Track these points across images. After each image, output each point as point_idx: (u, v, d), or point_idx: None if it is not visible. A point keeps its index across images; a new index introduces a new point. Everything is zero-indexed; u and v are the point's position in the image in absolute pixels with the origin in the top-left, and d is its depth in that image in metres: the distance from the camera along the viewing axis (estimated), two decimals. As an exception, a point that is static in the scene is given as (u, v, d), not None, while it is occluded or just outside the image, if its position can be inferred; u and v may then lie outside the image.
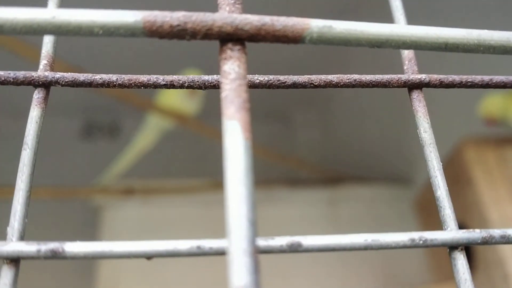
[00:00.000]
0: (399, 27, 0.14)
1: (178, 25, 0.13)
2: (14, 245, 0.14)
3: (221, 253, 0.14)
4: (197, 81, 0.17)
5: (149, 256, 0.14)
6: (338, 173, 1.60)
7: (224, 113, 0.13)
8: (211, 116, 1.48)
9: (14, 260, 0.14)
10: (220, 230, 1.39)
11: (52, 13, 0.13)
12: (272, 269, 1.30)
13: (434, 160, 0.16)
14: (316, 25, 0.14)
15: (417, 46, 0.14)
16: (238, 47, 0.14)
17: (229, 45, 0.14)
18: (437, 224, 1.26)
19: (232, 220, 0.12)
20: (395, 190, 1.52)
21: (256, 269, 0.11)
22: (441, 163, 0.16)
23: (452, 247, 0.14)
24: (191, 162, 1.71)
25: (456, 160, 1.17)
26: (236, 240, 0.11)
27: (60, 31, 0.13)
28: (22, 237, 0.14)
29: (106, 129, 1.77)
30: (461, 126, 1.20)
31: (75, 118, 1.76)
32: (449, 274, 1.22)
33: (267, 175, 1.59)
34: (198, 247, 0.14)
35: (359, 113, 1.75)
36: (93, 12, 0.13)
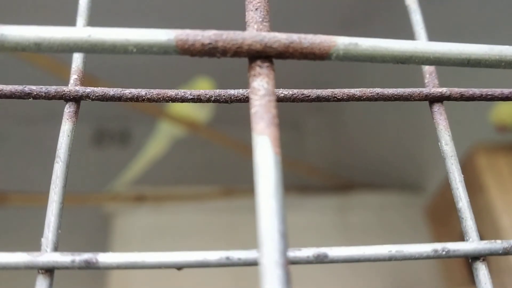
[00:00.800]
0: (423, 44, 0.14)
1: (209, 44, 0.14)
2: (49, 256, 0.14)
3: (249, 264, 0.15)
4: (223, 95, 0.17)
5: (179, 267, 0.14)
6: (349, 180, 1.60)
7: (254, 128, 0.13)
8: (221, 123, 1.49)
9: (49, 270, 0.14)
10: (230, 238, 1.40)
11: (88, 32, 0.14)
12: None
13: (455, 172, 0.16)
14: (342, 42, 0.14)
15: (440, 62, 0.15)
16: (266, 64, 0.14)
17: (258, 62, 0.14)
18: (448, 231, 1.25)
19: (264, 232, 0.12)
20: (405, 197, 1.51)
21: (288, 280, 0.11)
22: (463, 176, 0.16)
23: (474, 257, 0.15)
24: (202, 169, 1.71)
25: (468, 166, 1.17)
26: (268, 252, 0.12)
27: (96, 49, 0.14)
28: (56, 247, 0.15)
29: (117, 136, 1.79)
30: (472, 133, 1.20)
31: (87, 125, 1.78)
32: (460, 281, 1.22)
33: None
34: (227, 258, 0.14)
35: (369, 120, 1.75)
36: (127, 30, 0.14)
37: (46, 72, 0.93)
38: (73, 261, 0.14)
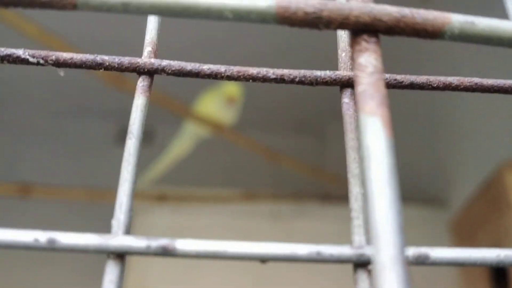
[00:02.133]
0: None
1: (313, 12, 0.12)
2: (121, 239, 0.13)
3: (342, 261, 0.13)
4: (309, 77, 0.16)
5: (265, 259, 0.13)
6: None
7: (363, 108, 0.12)
8: (246, 126, 1.48)
9: (120, 256, 0.13)
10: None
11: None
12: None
13: None
14: (457, 20, 0.13)
15: None
16: (374, 39, 0.13)
17: (364, 36, 0.13)
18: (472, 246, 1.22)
19: (380, 225, 0.10)
20: (429, 211, 1.49)
21: (409, 279, 0.10)
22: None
23: None
24: (224, 172, 1.70)
25: (495, 183, 1.14)
26: (386, 246, 0.10)
27: (188, 13, 0.12)
28: (128, 231, 0.13)
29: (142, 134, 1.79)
30: (501, 150, 1.17)
31: (112, 122, 1.78)
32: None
33: (298, 188, 1.57)
34: (318, 253, 0.13)
35: (394, 129, 1.72)
36: (223, -6, 0.12)
37: (34, 41, 0.91)
38: (148, 247, 0.13)
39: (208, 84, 1.30)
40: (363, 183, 0.11)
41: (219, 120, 1.27)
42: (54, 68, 0.16)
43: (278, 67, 0.17)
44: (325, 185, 1.59)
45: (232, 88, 1.24)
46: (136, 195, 1.25)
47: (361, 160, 0.11)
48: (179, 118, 1.37)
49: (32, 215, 1.48)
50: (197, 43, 1.43)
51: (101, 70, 0.16)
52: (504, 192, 1.10)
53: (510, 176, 1.10)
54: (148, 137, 1.77)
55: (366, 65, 0.12)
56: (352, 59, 0.13)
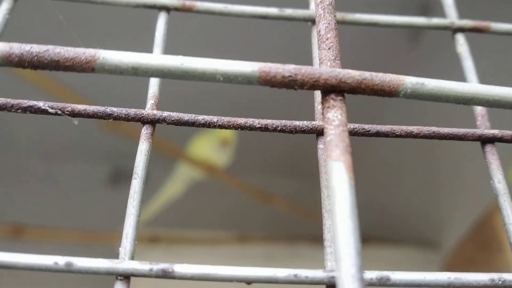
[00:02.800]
0: (484, 87, 0.16)
1: (289, 76, 0.15)
2: (127, 264, 0.15)
3: (315, 282, 0.16)
4: (289, 126, 0.19)
5: (249, 281, 0.15)
6: (364, 233, 1.59)
7: (329, 155, 0.14)
8: (239, 170, 1.50)
9: (127, 277, 0.15)
10: (242, 284, 1.39)
11: (180, 60, 0.15)
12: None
13: (508, 209, 0.17)
14: (410, 81, 0.16)
15: (499, 104, 0.16)
16: (340, 97, 0.15)
17: (332, 95, 0.15)
18: None
19: (342, 250, 0.13)
20: (422, 253, 1.50)
21: (364, 294, 0.12)
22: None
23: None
24: (217, 214, 1.71)
25: (486, 225, 1.16)
26: (346, 267, 0.13)
27: (187, 76, 0.15)
28: (133, 257, 0.16)
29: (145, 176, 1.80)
30: (491, 192, 1.19)
31: (104, 165, 1.80)
32: None
33: (291, 231, 1.58)
34: (295, 275, 0.15)
35: (386, 174, 1.76)
36: (216, 61, 0.15)
37: (50, 95, 0.94)
38: (150, 270, 0.15)
39: (201, 129, 1.33)
40: (328, 214, 0.14)
41: (213, 163, 1.30)
42: (69, 118, 0.19)
43: (264, 118, 0.19)
44: (318, 228, 1.61)
45: (226, 132, 1.27)
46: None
47: (329, 197, 0.14)
48: (173, 161, 1.39)
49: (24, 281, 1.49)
50: (193, 95, 1.48)
51: (110, 120, 0.19)
52: (494, 234, 1.12)
53: (500, 218, 1.13)
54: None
55: (333, 119, 0.15)
56: (322, 114, 0.15)
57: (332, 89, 0.15)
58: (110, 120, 0.18)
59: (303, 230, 1.58)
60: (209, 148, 1.29)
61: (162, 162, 1.43)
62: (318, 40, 0.17)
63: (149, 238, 1.39)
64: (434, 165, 1.51)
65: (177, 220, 1.53)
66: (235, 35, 1.35)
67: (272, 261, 1.45)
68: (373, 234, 1.59)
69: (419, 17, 0.21)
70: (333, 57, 0.16)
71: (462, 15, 0.24)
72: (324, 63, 0.16)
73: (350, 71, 0.15)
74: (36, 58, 0.15)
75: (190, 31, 1.22)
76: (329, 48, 0.16)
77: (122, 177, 1.85)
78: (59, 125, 1.69)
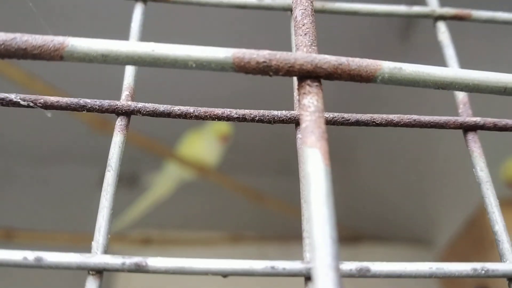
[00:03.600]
0: (463, 72, 0.15)
1: (264, 62, 0.15)
2: (100, 258, 0.15)
3: (293, 274, 0.15)
4: (267, 116, 0.18)
5: (225, 274, 0.15)
6: (358, 232, 1.59)
7: (305, 141, 0.14)
8: (231, 169, 1.50)
9: (99, 272, 0.15)
10: (237, 284, 1.38)
11: (151, 47, 0.15)
12: None
13: (491, 197, 0.17)
14: (387, 66, 0.15)
15: (478, 89, 0.16)
16: (316, 83, 0.15)
17: (308, 81, 0.15)
18: (458, 283, 1.23)
19: (317, 238, 0.12)
20: (415, 250, 1.50)
21: (340, 282, 0.12)
22: (498, 200, 0.17)
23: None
24: (210, 215, 1.71)
25: (478, 223, 1.16)
26: (321, 256, 0.12)
27: (158, 63, 0.15)
28: (106, 251, 0.15)
29: (125, 179, 1.79)
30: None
31: (94, 168, 1.78)
32: None
33: (285, 230, 1.58)
34: (272, 267, 0.15)
35: (380, 172, 1.76)
36: (188, 47, 0.15)
37: (16, 84, 0.93)
38: (123, 264, 0.15)
39: (191, 126, 1.32)
40: (306, 205, 0.14)
41: (204, 161, 1.29)
42: (42, 110, 0.18)
43: (242, 108, 0.19)
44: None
45: (224, 127, 1.26)
46: (121, 238, 1.26)
47: (303, 185, 0.14)
48: (163, 162, 1.39)
49: (7, 279, 1.47)
50: (170, 86, 1.47)
51: (84, 112, 0.18)
52: (486, 231, 1.12)
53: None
54: (132, 181, 1.78)
55: (309, 105, 0.14)
56: (299, 100, 0.15)
57: (308, 75, 0.15)
58: (84, 111, 0.18)
59: (296, 228, 1.57)
60: (203, 145, 1.28)
61: (153, 164, 1.42)
62: (294, 26, 0.17)
63: (142, 240, 1.39)
64: (426, 164, 1.51)
65: (169, 222, 1.53)
66: (214, 27, 1.35)
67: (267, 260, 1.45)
68: (366, 233, 1.59)
69: (400, 5, 0.21)
70: (309, 43, 0.16)
71: (444, 3, 0.23)
72: (300, 49, 0.16)
73: (326, 56, 0.15)
74: (2, 46, 0.15)
75: (167, 22, 1.21)
76: (305, 34, 0.16)
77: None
78: (49, 128, 1.68)
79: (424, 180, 1.53)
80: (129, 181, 1.80)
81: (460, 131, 0.19)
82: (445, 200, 1.40)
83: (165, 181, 1.35)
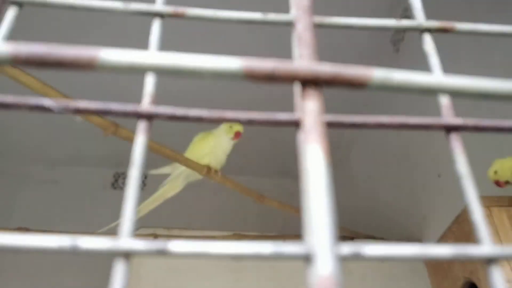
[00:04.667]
0: (447, 78, 0.17)
1: (271, 71, 0.16)
2: (125, 241, 0.16)
3: (295, 256, 0.16)
4: (272, 119, 0.19)
5: (235, 257, 0.16)
6: (350, 231, 1.60)
7: (307, 140, 0.15)
8: (233, 171, 1.51)
9: (125, 255, 0.16)
10: (239, 282, 1.39)
11: (171, 57, 0.16)
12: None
13: (470, 190, 0.18)
14: (378, 73, 0.17)
15: (461, 94, 0.17)
16: (316, 89, 0.16)
17: (309, 87, 0.16)
18: (450, 283, 1.24)
19: (318, 223, 0.14)
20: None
21: (339, 261, 0.13)
22: (479, 194, 0.18)
23: (489, 261, 0.16)
24: (214, 215, 1.72)
25: (468, 220, 1.17)
26: (321, 238, 0.13)
27: (177, 72, 0.16)
28: (132, 235, 0.17)
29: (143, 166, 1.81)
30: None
31: (107, 169, 1.80)
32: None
33: (286, 229, 1.59)
34: (276, 251, 0.16)
35: (372, 174, 1.77)
36: (202, 57, 0.16)
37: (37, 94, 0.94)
38: (148, 249, 0.16)
39: (197, 130, 1.34)
40: (305, 196, 0.15)
41: (215, 160, 1.31)
42: (72, 115, 0.20)
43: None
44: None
45: (236, 124, 1.30)
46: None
47: (303, 179, 0.15)
48: (171, 163, 1.40)
49: (29, 260, 1.49)
50: (188, 93, 1.48)
51: (108, 115, 0.19)
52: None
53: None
54: (142, 183, 1.79)
55: (310, 108, 0.16)
56: (301, 104, 0.16)
57: (309, 82, 0.16)
58: (109, 115, 0.19)
59: (297, 227, 1.59)
60: (217, 143, 1.31)
61: (161, 166, 1.44)
62: (297, 38, 0.18)
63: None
64: (417, 163, 1.52)
65: (174, 221, 1.54)
66: (223, 39, 1.36)
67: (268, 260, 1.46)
68: (360, 232, 1.60)
69: (390, 19, 0.22)
70: (310, 53, 0.17)
71: (433, 16, 0.25)
72: (303, 59, 0.17)
73: (325, 65, 0.16)
74: (41, 57, 0.16)
75: (182, 35, 1.23)
76: (306, 46, 0.17)
77: (124, 181, 1.85)
78: (62, 131, 1.69)
79: (415, 180, 1.54)
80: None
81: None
82: (435, 200, 1.42)
83: (173, 181, 1.36)
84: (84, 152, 1.82)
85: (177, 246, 0.16)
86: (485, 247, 0.17)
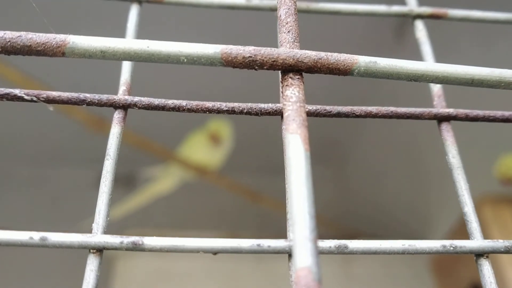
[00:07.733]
0: (433, 65, 0.17)
1: (249, 57, 0.16)
2: (100, 237, 0.16)
3: (278, 251, 0.17)
4: (255, 108, 0.20)
5: (215, 252, 0.16)
6: (353, 230, 1.61)
7: (287, 128, 0.15)
8: (227, 169, 1.51)
9: (99, 250, 0.16)
10: (231, 283, 1.40)
11: (147, 44, 0.16)
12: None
13: (461, 181, 0.18)
14: (363, 60, 0.17)
15: (448, 81, 0.17)
16: (297, 76, 0.16)
17: (290, 74, 0.16)
18: (454, 282, 1.25)
19: (296, 214, 0.14)
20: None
21: (317, 253, 0.13)
22: (468, 184, 0.18)
23: (479, 254, 0.17)
24: (207, 215, 1.72)
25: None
26: (300, 229, 0.14)
27: (152, 58, 0.16)
28: (105, 232, 0.17)
29: (123, 180, 1.81)
30: (477, 185, 1.21)
31: (91, 169, 1.80)
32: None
33: (280, 230, 1.59)
34: (258, 245, 0.16)
35: (374, 171, 1.77)
36: (180, 43, 0.16)
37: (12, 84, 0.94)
38: (121, 242, 0.16)
39: (193, 127, 1.34)
40: (287, 185, 0.15)
41: (204, 163, 1.30)
42: (44, 104, 0.20)
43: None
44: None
45: (216, 126, 1.27)
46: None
47: (286, 168, 0.15)
48: (162, 162, 1.40)
49: (11, 261, 1.48)
50: (166, 82, 1.48)
51: (83, 106, 0.20)
52: (481, 227, 1.14)
53: (486, 211, 1.14)
54: (128, 181, 1.79)
55: (291, 96, 0.16)
56: (282, 92, 0.16)
57: (290, 68, 0.16)
58: (84, 105, 0.19)
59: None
60: (202, 147, 1.29)
61: (150, 165, 1.44)
62: (278, 24, 0.18)
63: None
64: (422, 161, 1.53)
65: (166, 221, 1.54)
66: (205, 25, 1.36)
67: (262, 261, 1.46)
68: (363, 229, 1.60)
69: (380, 5, 0.23)
70: (292, 40, 0.17)
71: (422, 2, 0.25)
72: (284, 45, 0.17)
73: (307, 51, 0.16)
74: (9, 43, 0.16)
75: (160, 22, 1.23)
76: (288, 31, 0.18)
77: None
78: (45, 129, 1.69)
79: (419, 179, 1.55)
80: (126, 181, 1.81)
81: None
82: (440, 197, 1.42)
83: (164, 180, 1.36)
84: (69, 150, 1.82)
85: (152, 241, 0.17)
86: (475, 241, 0.17)
